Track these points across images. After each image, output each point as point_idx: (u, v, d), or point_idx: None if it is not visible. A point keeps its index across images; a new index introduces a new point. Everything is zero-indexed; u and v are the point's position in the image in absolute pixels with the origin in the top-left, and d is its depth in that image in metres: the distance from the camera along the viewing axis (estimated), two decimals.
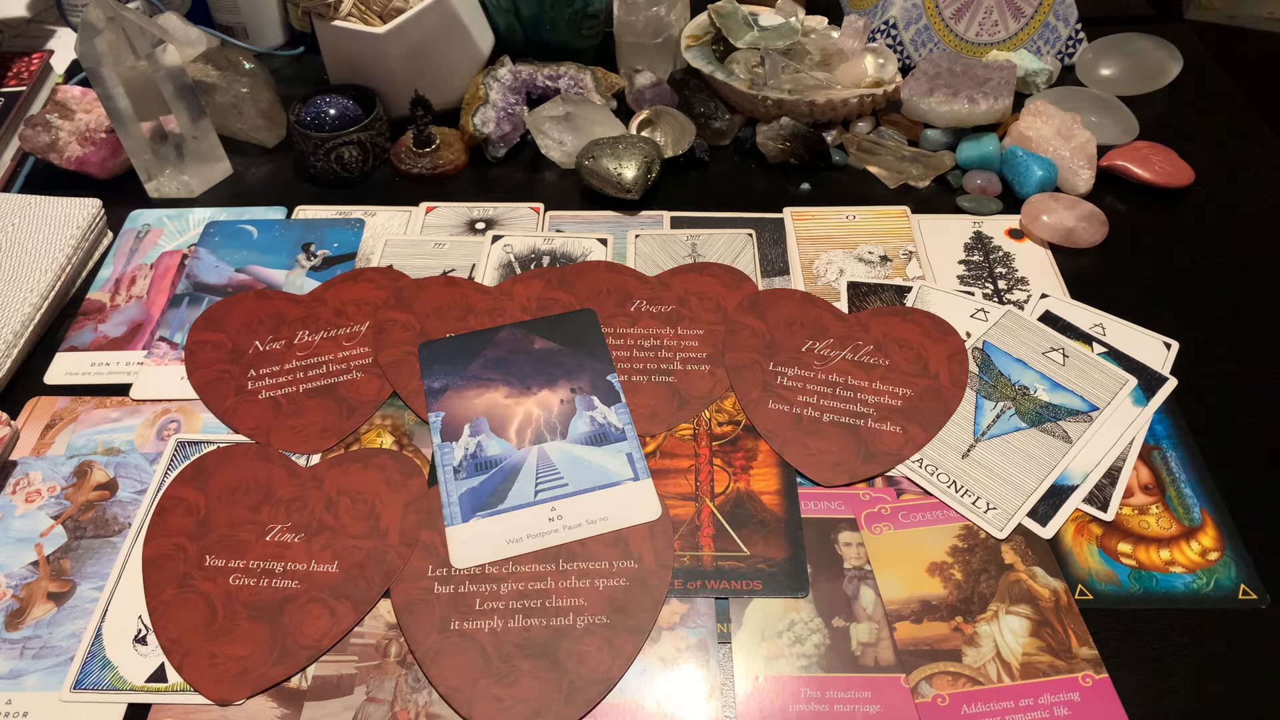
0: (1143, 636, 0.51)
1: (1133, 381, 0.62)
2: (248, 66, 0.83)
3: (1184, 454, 0.59)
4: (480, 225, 0.76)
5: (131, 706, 0.49)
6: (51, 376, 0.65)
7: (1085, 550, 0.54)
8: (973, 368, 0.63)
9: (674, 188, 0.80)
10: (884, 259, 0.72)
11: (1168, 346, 0.65)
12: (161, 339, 0.66)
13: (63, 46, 0.96)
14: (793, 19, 0.86)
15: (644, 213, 0.77)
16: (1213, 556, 0.54)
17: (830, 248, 0.73)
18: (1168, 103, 0.87)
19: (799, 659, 0.50)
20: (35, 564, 0.55)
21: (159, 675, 0.50)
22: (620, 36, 0.87)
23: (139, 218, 0.76)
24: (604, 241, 0.74)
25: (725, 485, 0.58)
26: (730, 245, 0.73)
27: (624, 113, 0.85)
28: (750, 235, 0.74)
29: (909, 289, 0.69)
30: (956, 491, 0.57)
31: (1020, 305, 0.68)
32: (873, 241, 0.73)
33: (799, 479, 0.58)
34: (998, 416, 0.61)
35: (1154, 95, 0.87)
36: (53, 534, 0.56)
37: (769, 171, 0.81)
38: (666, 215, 0.76)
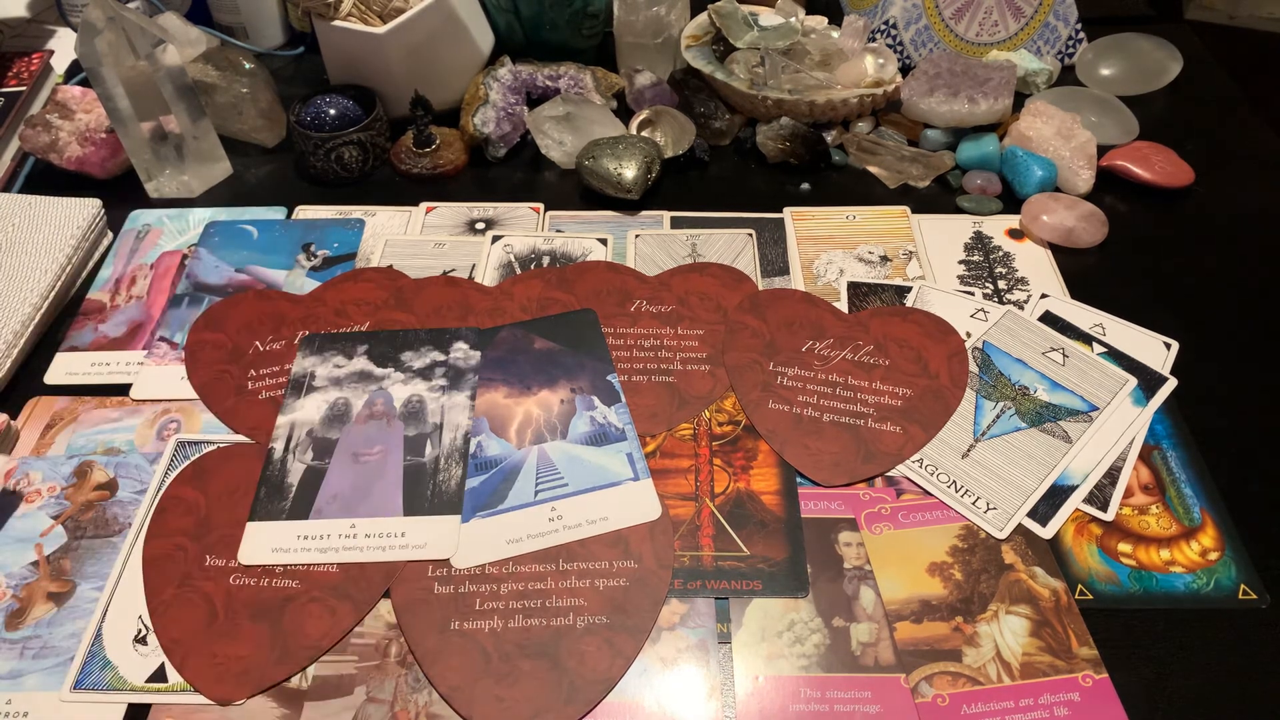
0: (1143, 636, 0.51)
1: (1133, 381, 0.62)
2: (248, 66, 0.83)
3: (1184, 454, 0.59)
4: (480, 225, 0.76)
5: (131, 706, 0.49)
6: (51, 376, 0.65)
7: (1085, 550, 0.54)
8: (973, 368, 0.63)
9: (674, 188, 0.79)
10: (884, 259, 0.72)
11: (1168, 346, 0.65)
12: (161, 339, 0.66)
13: (63, 46, 0.96)
14: (793, 19, 0.86)
15: (644, 213, 0.77)
16: (1213, 556, 0.54)
17: (830, 248, 0.73)
18: (1168, 103, 0.87)
19: (799, 659, 0.50)
20: (35, 564, 0.55)
21: (159, 675, 0.50)
22: (620, 36, 0.87)
23: (139, 218, 0.76)
24: (604, 241, 0.73)
25: (725, 485, 0.58)
26: (730, 245, 0.73)
27: (624, 113, 0.85)
28: (750, 235, 0.74)
29: (909, 289, 0.69)
30: (956, 491, 0.57)
31: (1020, 305, 0.68)
32: (873, 241, 0.73)
33: (799, 479, 0.58)
34: (998, 416, 0.61)
35: (1154, 95, 0.87)
36: (53, 534, 0.56)
37: (769, 171, 0.81)
38: (666, 215, 0.76)
